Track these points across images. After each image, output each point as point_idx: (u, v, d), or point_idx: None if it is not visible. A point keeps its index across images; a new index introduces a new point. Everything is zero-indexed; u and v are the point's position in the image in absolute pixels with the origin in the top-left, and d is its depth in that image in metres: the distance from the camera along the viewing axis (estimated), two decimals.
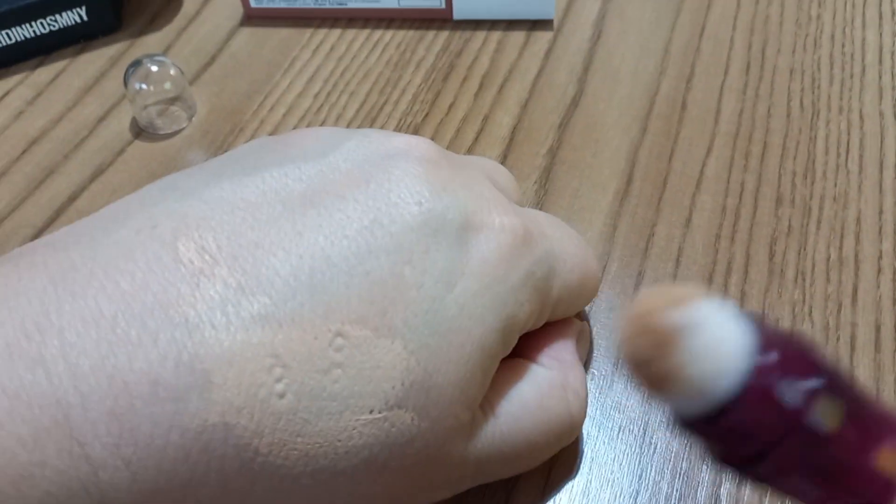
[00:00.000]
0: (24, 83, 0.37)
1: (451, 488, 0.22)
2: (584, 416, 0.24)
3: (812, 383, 0.12)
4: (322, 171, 0.20)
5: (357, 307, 0.18)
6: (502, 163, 0.33)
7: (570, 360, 0.24)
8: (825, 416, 0.12)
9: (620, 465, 0.25)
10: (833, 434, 0.12)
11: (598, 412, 0.26)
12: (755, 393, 0.11)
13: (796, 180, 0.32)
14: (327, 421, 0.18)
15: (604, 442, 0.25)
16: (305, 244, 0.18)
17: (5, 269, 0.18)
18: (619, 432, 0.25)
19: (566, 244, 0.24)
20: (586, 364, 0.27)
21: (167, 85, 0.34)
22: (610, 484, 0.24)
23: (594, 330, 0.28)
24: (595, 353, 0.27)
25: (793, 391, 0.11)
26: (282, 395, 0.17)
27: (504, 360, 0.22)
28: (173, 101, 0.35)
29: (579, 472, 0.25)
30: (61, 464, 0.16)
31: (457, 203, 0.20)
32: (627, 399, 0.26)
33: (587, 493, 0.24)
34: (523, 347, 0.23)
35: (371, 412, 0.18)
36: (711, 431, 0.12)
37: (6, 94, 0.37)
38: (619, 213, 0.31)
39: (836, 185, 0.32)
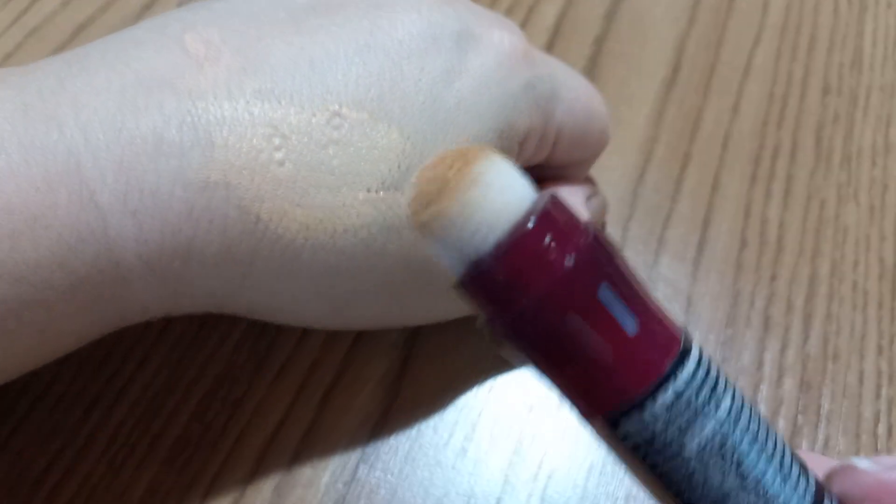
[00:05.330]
0: None
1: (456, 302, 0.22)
2: None
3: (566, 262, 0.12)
4: None
5: (354, 92, 0.19)
6: (548, 51, 0.33)
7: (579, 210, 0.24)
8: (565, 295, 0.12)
9: None
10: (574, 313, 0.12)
11: None
12: (513, 252, 0.12)
13: (843, 71, 0.32)
14: (326, 195, 0.18)
15: None
16: (306, 39, 0.19)
17: (28, 64, 0.19)
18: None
19: (572, 80, 0.23)
20: None
21: None
22: None
23: (639, 218, 0.28)
24: (637, 230, 0.28)
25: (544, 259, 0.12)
26: (281, 163, 0.18)
27: None
28: None
29: None
30: (72, 208, 0.17)
31: (457, 15, 0.21)
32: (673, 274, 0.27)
33: None
34: None
35: (368, 190, 0.19)
36: (477, 282, 0.13)
37: None
38: (665, 99, 0.31)
39: (882, 75, 0.32)
